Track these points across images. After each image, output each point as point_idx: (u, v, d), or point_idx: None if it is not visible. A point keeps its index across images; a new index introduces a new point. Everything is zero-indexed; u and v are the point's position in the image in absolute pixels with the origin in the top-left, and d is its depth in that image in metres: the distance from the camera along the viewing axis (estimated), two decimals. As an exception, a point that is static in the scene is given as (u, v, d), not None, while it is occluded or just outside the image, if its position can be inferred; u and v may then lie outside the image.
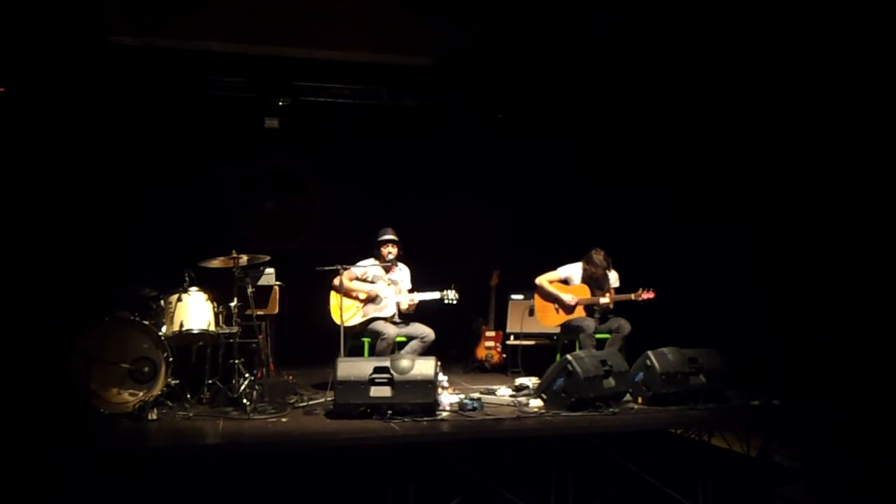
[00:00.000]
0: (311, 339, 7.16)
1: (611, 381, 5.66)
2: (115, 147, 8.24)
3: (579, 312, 6.94)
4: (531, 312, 7.77)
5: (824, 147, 6.04)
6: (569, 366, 5.49)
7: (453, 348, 8.50)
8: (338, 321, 6.30)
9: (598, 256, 6.87)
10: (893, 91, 5.47)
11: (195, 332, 5.86)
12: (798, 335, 6.12)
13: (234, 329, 6.00)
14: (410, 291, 6.73)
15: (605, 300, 6.82)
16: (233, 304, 6.03)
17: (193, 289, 5.94)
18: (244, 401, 5.53)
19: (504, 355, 8.18)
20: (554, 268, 7.11)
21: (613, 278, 7.00)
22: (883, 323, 5.48)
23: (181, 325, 5.82)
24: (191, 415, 5.41)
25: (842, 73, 5.82)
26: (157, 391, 5.47)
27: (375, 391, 5.21)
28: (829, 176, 5.99)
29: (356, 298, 6.62)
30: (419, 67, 8.58)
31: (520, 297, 8.20)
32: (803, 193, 6.20)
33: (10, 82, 7.52)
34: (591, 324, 6.77)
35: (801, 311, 6.15)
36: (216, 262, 6.08)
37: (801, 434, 5.52)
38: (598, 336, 6.80)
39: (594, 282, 6.93)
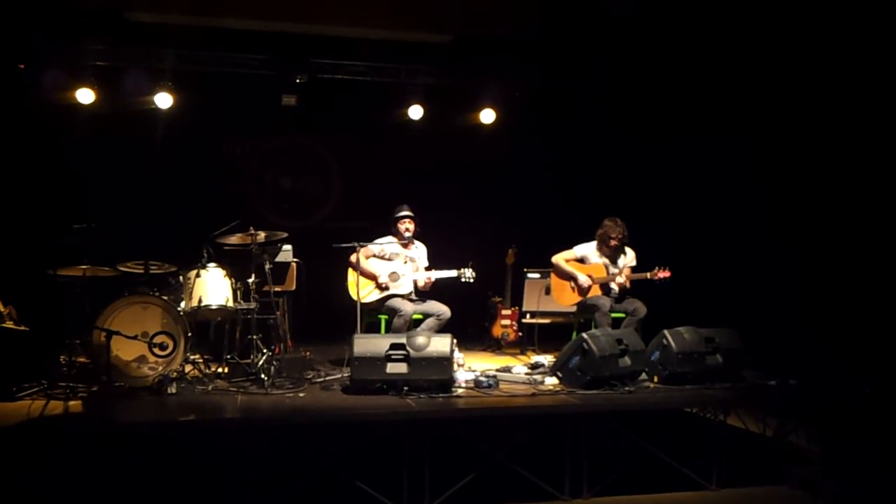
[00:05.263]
0: (327, 315, 7.19)
1: (626, 360, 5.66)
2: (134, 124, 8.29)
3: (595, 291, 6.92)
4: (547, 291, 7.75)
5: (839, 126, 5.96)
6: (584, 344, 5.49)
7: (469, 326, 8.51)
8: (355, 298, 6.32)
9: (612, 222, 6.80)
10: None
11: (213, 307, 5.91)
12: (816, 315, 6.07)
13: (252, 305, 6.05)
14: (427, 269, 6.74)
15: (620, 279, 6.79)
16: (251, 281, 6.08)
17: (212, 265, 5.98)
18: (262, 376, 5.58)
19: (520, 333, 8.18)
20: (570, 246, 7.09)
21: (630, 257, 6.96)
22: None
23: (200, 301, 5.87)
24: (209, 389, 5.46)
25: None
26: (176, 366, 5.54)
27: (392, 367, 5.24)
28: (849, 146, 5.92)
29: (369, 279, 6.63)
30: (437, 45, 8.53)
31: (536, 275, 8.19)
32: (825, 165, 6.12)
33: (28, 58, 7.63)
34: (606, 302, 6.74)
35: (820, 290, 6.09)
36: (234, 239, 6.12)
37: (818, 415, 5.50)
38: (613, 315, 6.77)
39: (608, 252, 6.88)
